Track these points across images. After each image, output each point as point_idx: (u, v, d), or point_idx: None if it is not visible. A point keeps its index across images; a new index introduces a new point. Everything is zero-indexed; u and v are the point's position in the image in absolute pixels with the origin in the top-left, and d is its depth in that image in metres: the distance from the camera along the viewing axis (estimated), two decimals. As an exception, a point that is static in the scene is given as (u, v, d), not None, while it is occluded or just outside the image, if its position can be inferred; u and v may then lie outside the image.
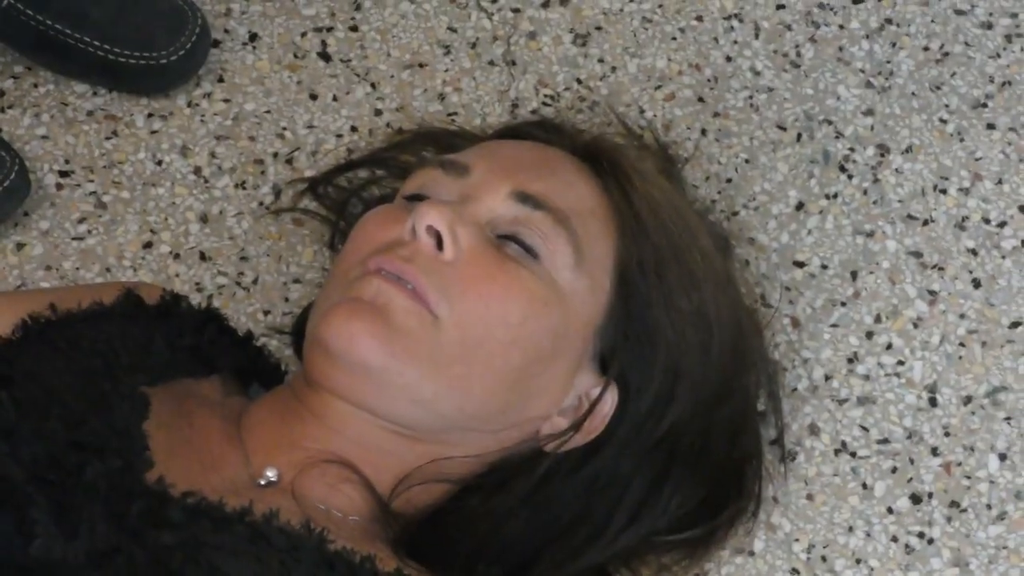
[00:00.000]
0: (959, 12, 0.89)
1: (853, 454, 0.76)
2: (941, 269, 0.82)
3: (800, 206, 0.85)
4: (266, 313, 0.82)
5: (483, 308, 0.61)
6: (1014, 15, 0.89)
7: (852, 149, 0.86)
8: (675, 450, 0.67)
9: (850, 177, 0.85)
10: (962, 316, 0.80)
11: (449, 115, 0.90)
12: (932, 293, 0.81)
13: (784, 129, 0.87)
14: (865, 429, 0.77)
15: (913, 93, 0.87)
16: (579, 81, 0.90)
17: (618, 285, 0.66)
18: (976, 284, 0.81)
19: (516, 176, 0.65)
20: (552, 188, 0.65)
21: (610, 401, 0.65)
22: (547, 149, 0.70)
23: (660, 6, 0.91)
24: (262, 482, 0.61)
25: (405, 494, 0.63)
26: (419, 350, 0.60)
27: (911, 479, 0.75)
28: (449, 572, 0.64)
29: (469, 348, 0.61)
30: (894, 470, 0.75)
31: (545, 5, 0.92)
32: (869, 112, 0.87)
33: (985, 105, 0.86)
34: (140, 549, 0.54)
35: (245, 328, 0.78)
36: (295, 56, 0.89)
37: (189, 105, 0.88)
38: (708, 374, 0.68)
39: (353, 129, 0.88)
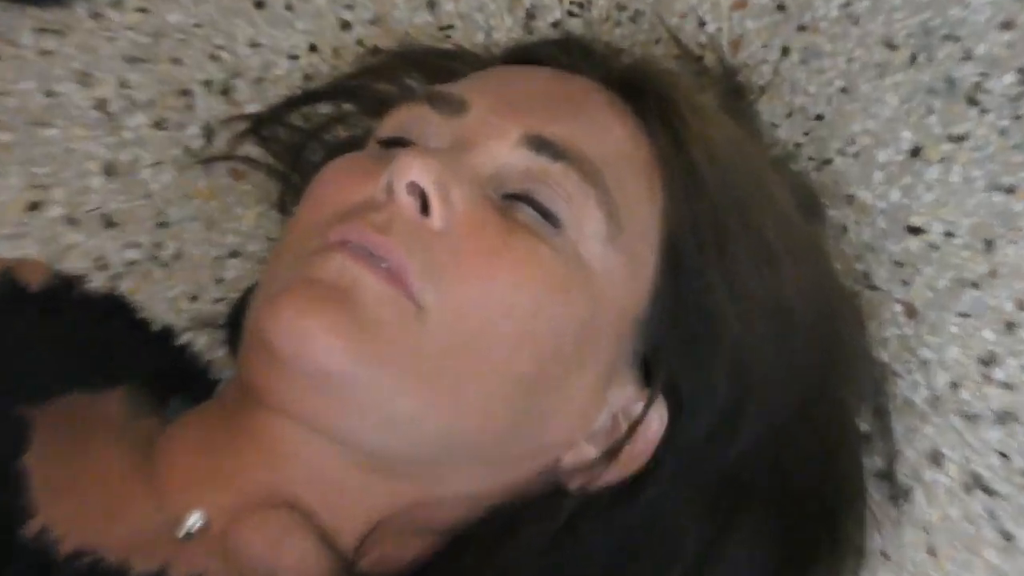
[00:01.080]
0: None
1: (990, 491, 0.71)
2: None
3: (916, 152, 0.77)
4: (192, 299, 0.77)
5: (483, 294, 0.56)
6: None
7: (985, 74, 0.78)
8: (745, 488, 0.62)
9: (983, 112, 0.77)
10: None
11: (442, 30, 0.83)
12: None
13: (894, 48, 0.80)
14: (1006, 457, 0.70)
15: (1069, -3, 0.74)
16: None
17: (666, 262, 0.60)
18: None
19: (529, 115, 0.60)
20: (577, 131, 0.60)
21: (657, 421, 0.60)
22: (571, 78, 0.65)
23: None
24: (182, 533, 0.56)
25: (376, 548, 0.58)
26: (396, 352, 0.54)
27: None
28: None
29: (464, 349, 0.55)
30: None
31: None
32: (1008, 25, 0.78)
33: None
34: None
35: (163, 320, 0.73)
36: None
37: (92, 17, 0.82)
38: (788, 382, 0.63)
39: (312, 48, 0.82)
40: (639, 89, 0.65)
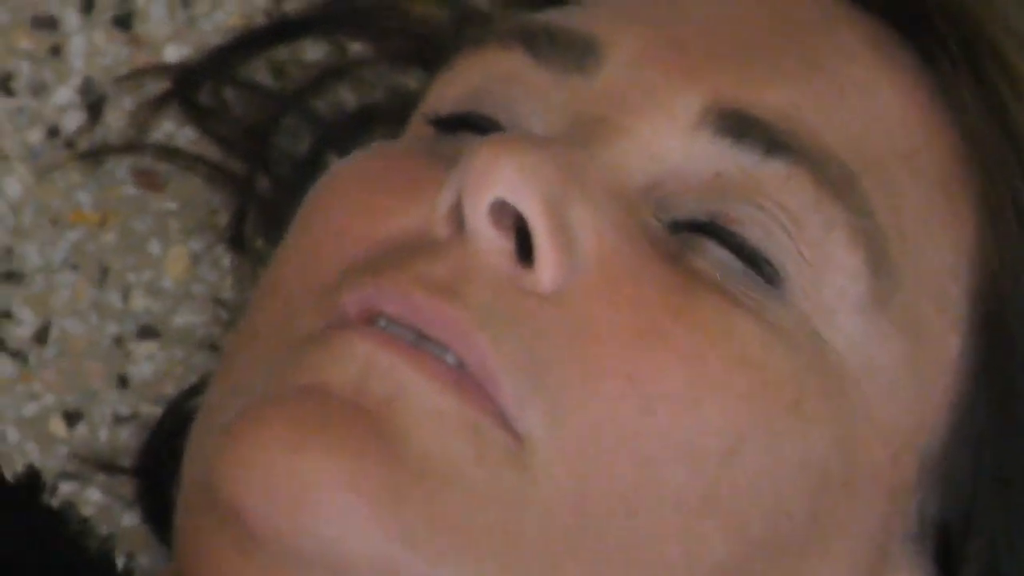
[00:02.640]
0: None
1: None
2: None
3: None
4: (71, 419, 0.56)
5: (637, 416, 0.41)
6: None
7: None
8: None
9: None
10: None
11: None
12: None
13: None
14: None
15: None
16: None
17: (984, 346, 0.45)
18: None
19: (721, 68, 0.45)
20: (815, 101, 0.45)
21: None
22: None
23: None
24: None
25: None
26: (477, 525, 0.40)
27: None
28: None
29: (601, 521, 0.41)
30: None
31: None
32: None
33: None
34: None
35: (22, 465, 0.51)
36: None
37: None
38: None
39: None
40: (931, 15, 0.48)
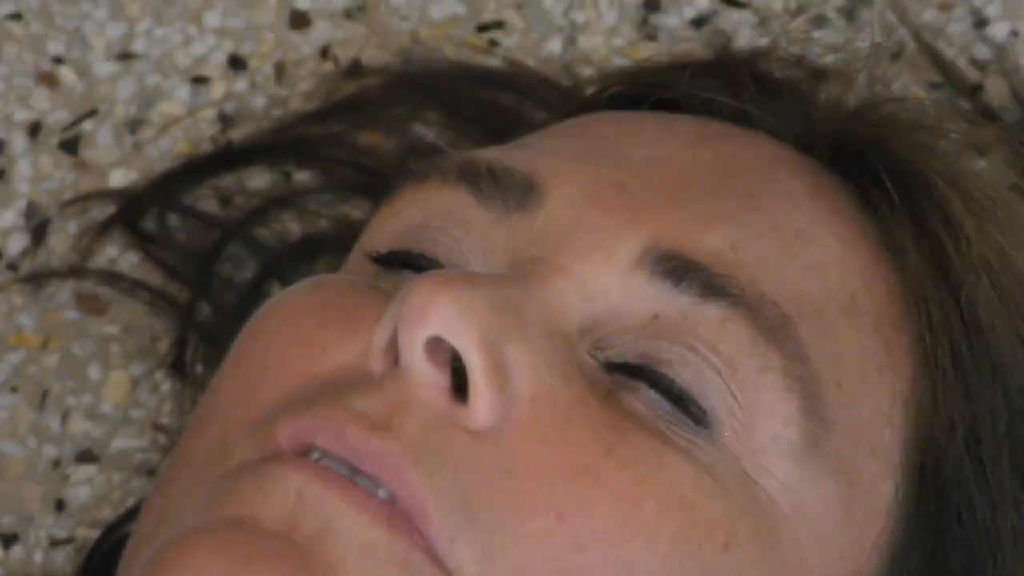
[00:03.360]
0: None
1: None
2: None
3: None
4: (8, 541, 0.55)
5: (568, 555, 0.40)
6: None
7: None
8: None
9: None
10: None
11: (482, 31, 0.60)
12: None
13: None
14: None
15: None
16: None
17: (919, 497, 0.44)
18: None
19: (660, 212, 0.44)
20: (752, 245, 0.44)
21: None
22: (739, 138, 0.49)
23: None
24: None
25: None
26: None
27: None
28: None
29: None
30: None
31: None
32: None
33: None
34: None
35: None
36: None
37: None
38: None
39: (234, 63, 0.59)
40: (872, 164, 0.47)
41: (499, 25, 0.60)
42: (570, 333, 0.40)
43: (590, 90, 0.56)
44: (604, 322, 0.41)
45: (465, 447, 0.39)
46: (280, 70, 0.58)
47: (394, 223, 0.45)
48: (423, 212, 0.44)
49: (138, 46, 0.58)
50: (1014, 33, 0.59)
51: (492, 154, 0.45)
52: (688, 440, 0.39)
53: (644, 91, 0.50)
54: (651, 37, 0.58)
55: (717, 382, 0.40)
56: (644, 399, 0.40)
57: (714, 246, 0.42)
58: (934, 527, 0.43)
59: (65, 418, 0.55)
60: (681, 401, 0.40)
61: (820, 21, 0.58)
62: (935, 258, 0.44)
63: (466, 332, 0.38)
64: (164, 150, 0.56)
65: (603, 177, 0.44)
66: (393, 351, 0.38)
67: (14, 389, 0.54)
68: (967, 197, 0.46)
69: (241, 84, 0.58)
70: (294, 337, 0.42)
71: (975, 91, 0.59)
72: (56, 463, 0.54)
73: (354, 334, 0.41)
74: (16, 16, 0.58)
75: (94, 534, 0.52)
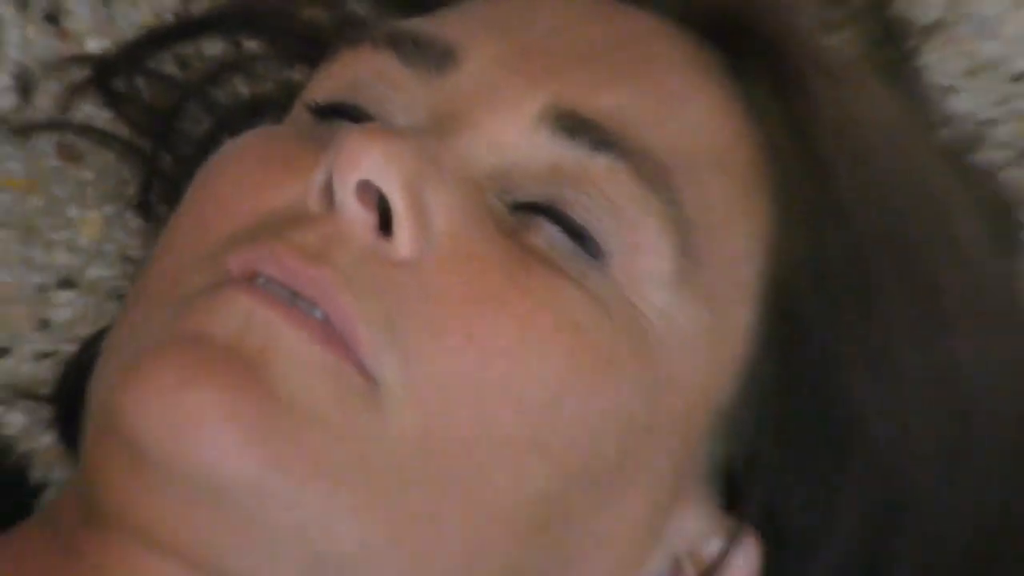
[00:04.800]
0: None
1: None
2: None
3: None
4: (0, 354, 0.61)
5: (475, 369, 0.45)
6: None
7: None
8: None
9: None
10: None
11: None
12: None
13: None
14: None
15: None
16: None
17: (770, 321, 0.50)
18: None
19: (560, 75, 0.49)
20: (637, 105, 0.49)
21: (744, 568, 0.50)
22: (629, 14, 0.54)
23: None
24: None
25: None
26: (335, 456, 0.44)
27: None
28: None
29: (442, 456, 0.45)
30: None
31: None
32: None
33: None
34: None
35: None
36: None
37: None
38: (962, 513, 0.53)
39: None
40: (740, 35, 0.52)
41: None
42: (481, 180, 0.45)
43: None
44: (511, 171, 0.46)
45: (389, 276, 0.43)
46: None
47: (330, 81, 0.49)
48: (356, 72, 0.49)
49: None
50: None
51: (416, 24, 0.49)
52: (581, 272, 0.44)
53: None
54: None
55: (607, 221, 0.45)
56: (545, 236, 0.45)
57: (603, 106, 0.47)
58: (784, 348, 0.49)
59: (48, 250, 0.60)
60: (578, 236, 0.45)
61: None
62: (791, 120, 0.51)
63: (391, 176, 0.42)
64: (133, 20, 0.61)
65: (512, 45, 0.48)
66: (328, 193, 0.43)
67: (3, 225, 0.59)
68: (820, 67, 0.52)
69: None
70: (240, 180, 0.47)
71: None
72: (41, 288, 0.59)
73: (294, 178, 0.45)
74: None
75: (73, 349, 0.59)
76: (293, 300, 0.42)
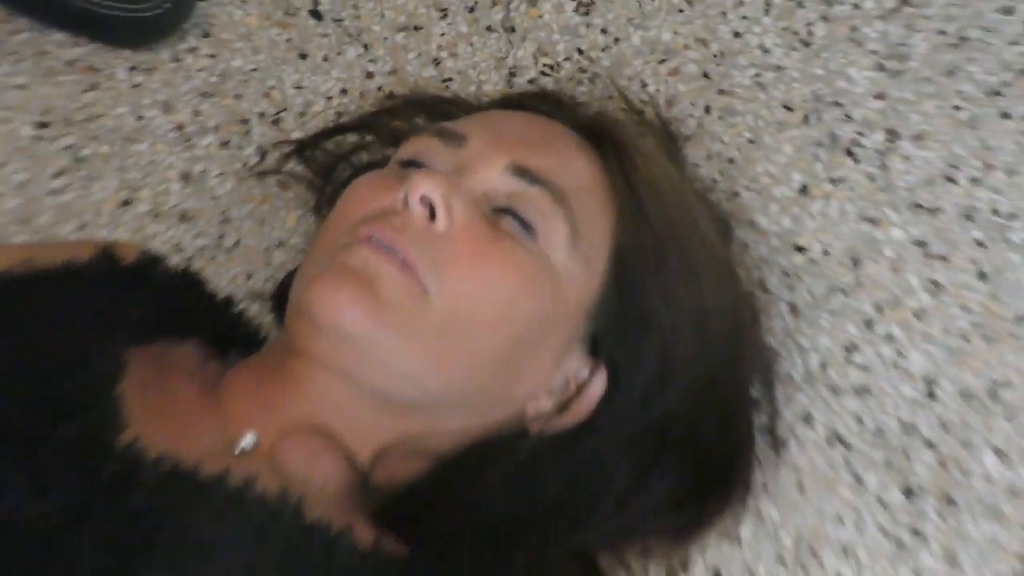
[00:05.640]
0: (979, -5, 0.87)
1: (846, 445, 0.76)
2: (946, 260, 0.81)
3: (804, 189, 0.84)
4: (247, 277, 0.82)
5: (474, 284, 0.61)
6: (1036, 0, 0.86)
7: (861, 133, 0.85)
8: (664, 438, 0.68)
9: (857, 162, 0.84)
10: (966, 309, 0.79)
11: (443, 81, 0.89)
12: (936, 284, 0.80)
13: (791, 109, 0.86)
14: (860, 420, 0.77)
15: (927, 78, 0.85)
16: (580, 51, 0.90)
17: (614, 269, 0.66)
18: (982, 277, 0.80)
19: (514, 149, 0.65)
20: (551, 164, 0.65)
21: (598, 385, 0.66)
22: (546, 122, 0.70)
23: (667, -24, 0.89)
24: (239, 448, 0.62)
25: (384, 467, 0.63)
26: (406, 323, 0.60)
27: (904, 472, 0.75)
28: (427, 547, 0.63)
29: (457, 323, 0.61)
30: (888, 463, 0.76)
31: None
32: (880, 96, 0.86)
33: (1000, 93, 0.85)
34: (111, 512, 0.54)
35: (225, 292, 0.78)
36: (285, 13, 0.90)
37: (173, 60, 0.88)
38: (702, 364, 0.68)
39: (343, 92, 0.88)
40: (598, 134, 0.70)
41: (450, 80, 0.87)
42: (477, 196, 0.62)
43: (487, 100, 0.81)
44: (490, 192, 0.62)
45: (434, 240, 0.59)
46: (362, 96, 0.86)
47: (407, 150, 0.67)
48: (418, 146, 0.66)
49: (306, 83, 0.85)
50: (657, 90, 0.85)
51: (447, 124, 0.66)
52: (524, 242, 0.61)
53: (509, 102, 0.76)
54: (511, 85, 0.86)
55: (537, 218, 0.62)
56: (507, 223, 0.61)
57: (536, 163, 0.63)
58: (619, 280, 0.64)
59: (271, 229, 0.80)
60: (524, 224, 0.61)
61: (580, 82, 0.86)
62: (622, 171, 0.66)
63: (435, 192, 0.59)
64: (312, 126, 0.85)
65: (492, 135, 0.65)
66: (406, 201, 0.60)
67: (249, 217, 0.80)
68: (635, 147, 0.68)
69: (345, 100, 0.85)
70: (364, 194, 0.64)
71: (641, 113, 0.84)
72: (267, 250, 0.80)
73: (389, 194, 0.62)
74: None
75: (279, 277, 0.77)
76: (388, 250, 0.59)
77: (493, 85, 0.88)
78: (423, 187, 0.60)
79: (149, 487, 0.55)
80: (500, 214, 0.63)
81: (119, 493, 0.55)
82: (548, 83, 0.88)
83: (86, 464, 0.56)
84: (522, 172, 0.63)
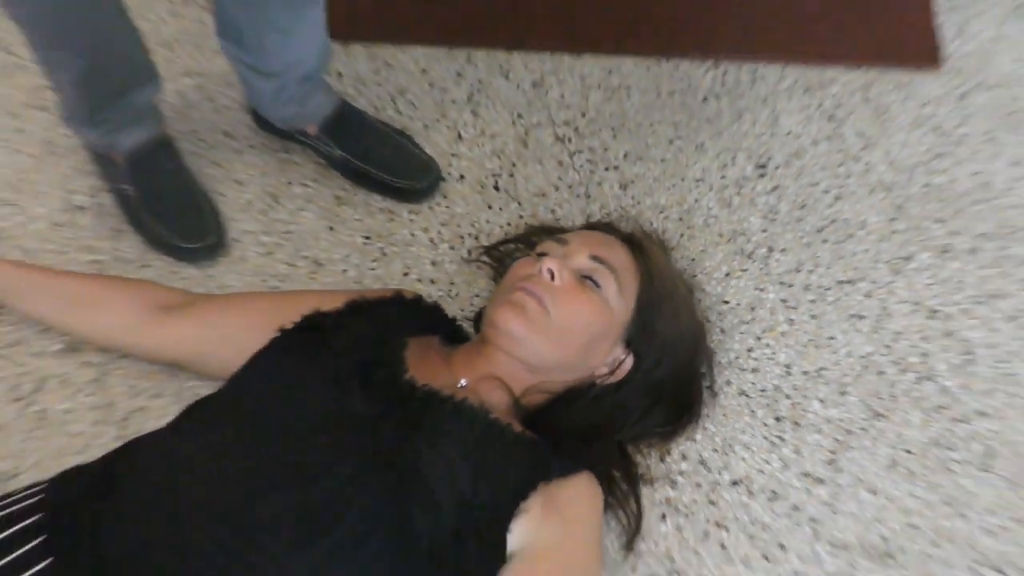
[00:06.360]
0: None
1: (747, 396, 1.21)
2: (795, 308, 1.25)
3: (727, 275, 1.32)
4: (462, 309, 1.31)
5: (573, 311, 1.01)
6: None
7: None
8: (662, 390, 1.11)
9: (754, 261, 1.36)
10: (804, 333, 1.29)
11: (555, 219, 1.41)
12: (791, 321, 1.27)
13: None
14: (754, 384, 1.22)
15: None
16: (621, 207, 1.39)
17: (638, 308, 1.08)
18: (814, 318, 1.28)
19: (592, 247, 1.07)
20: (610, 254, 1.06)
21: (628, 362, 1.07)
22: (607, 235, 1.14)
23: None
24: (459, 385, 0.99)
25: (528, 397, 1.04)
26: (540, 329, 1.00)
27: (773, 407, 1.20)
28: (547, 436, 1.00)
29: (564, 330, 1.00)
30: (769, 405, 1.21)
31: (605, 168, 1.38)
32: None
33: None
34: (402, 411, 0.88)
35: (452, 315, 1.22)
36: (481, 187, 1.41)
37: (429, 208, 1.39)
38: (681, 355, 1.12)
39: (508, 224, 1.38)
40: (632, 242, 1.12)
41: (560, 218, 1.41)
42: (573, 269, 1.06)
43: (578, 225, 1.31)
44: (580, 267, 1.07)
45: (553, 289, 1.04)
46: (516, 226, 1.33)
47: (539, 248, 1.13)
48: (545, 246, 1.12)
49: (501, 219, 1.39)
50: (655, 227, 1.35)
51: (560, 235, 1.13)
52: (597, 292, 1.05)
53: (590, 226, 1.24)
54: (588, 216, 1.33)
55: (603, 280, 1.06)
56: (588, 283, 1.05)
57: (603, 253, 1.08)
58: (641, 312, 1.08)
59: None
60: (596, 283, 1.05)
61: (622, 217, 1.34)
62: (644, 262, 1.10)
63: (555, 268, 1.05)
64: (494, 238, 1.33)
65: (582, 240, 1.10)
66: (541, 271, 1.05)
67: (465, 282, 1.28)
68: (651, 250, 1.13)
69: (509, 228, 1.32)
70: (519, 268, 1.10)
71: (650, 235, 1.25)
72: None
73: (532, 268, 1.08)
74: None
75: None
76: (531, 293, 1.03)
77: (576, 220, 1.39)
78: (549, 264, 1.02)
79: (419, 399, 0.90)
80: (584, 279, 1.04)
81: (405, 402, 0.89)
82: (606, 217, 1.38)
83: (389, 389, 0.90)
84: (596, 258, 1.05)
